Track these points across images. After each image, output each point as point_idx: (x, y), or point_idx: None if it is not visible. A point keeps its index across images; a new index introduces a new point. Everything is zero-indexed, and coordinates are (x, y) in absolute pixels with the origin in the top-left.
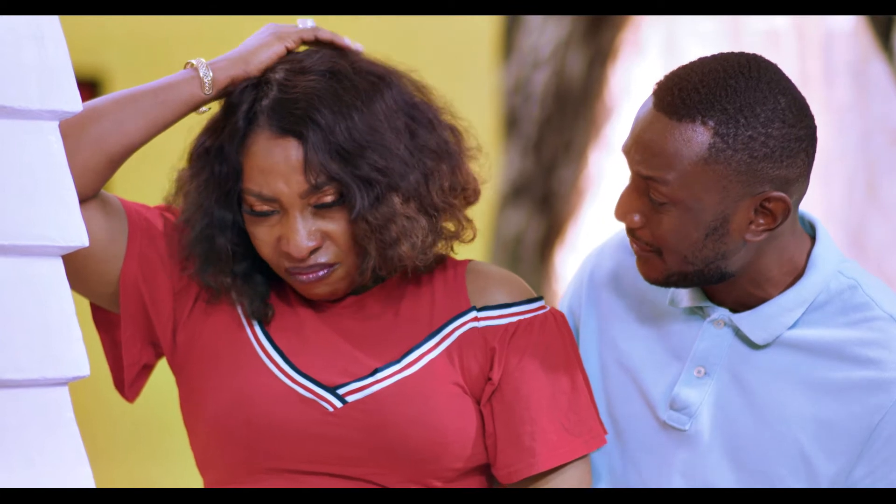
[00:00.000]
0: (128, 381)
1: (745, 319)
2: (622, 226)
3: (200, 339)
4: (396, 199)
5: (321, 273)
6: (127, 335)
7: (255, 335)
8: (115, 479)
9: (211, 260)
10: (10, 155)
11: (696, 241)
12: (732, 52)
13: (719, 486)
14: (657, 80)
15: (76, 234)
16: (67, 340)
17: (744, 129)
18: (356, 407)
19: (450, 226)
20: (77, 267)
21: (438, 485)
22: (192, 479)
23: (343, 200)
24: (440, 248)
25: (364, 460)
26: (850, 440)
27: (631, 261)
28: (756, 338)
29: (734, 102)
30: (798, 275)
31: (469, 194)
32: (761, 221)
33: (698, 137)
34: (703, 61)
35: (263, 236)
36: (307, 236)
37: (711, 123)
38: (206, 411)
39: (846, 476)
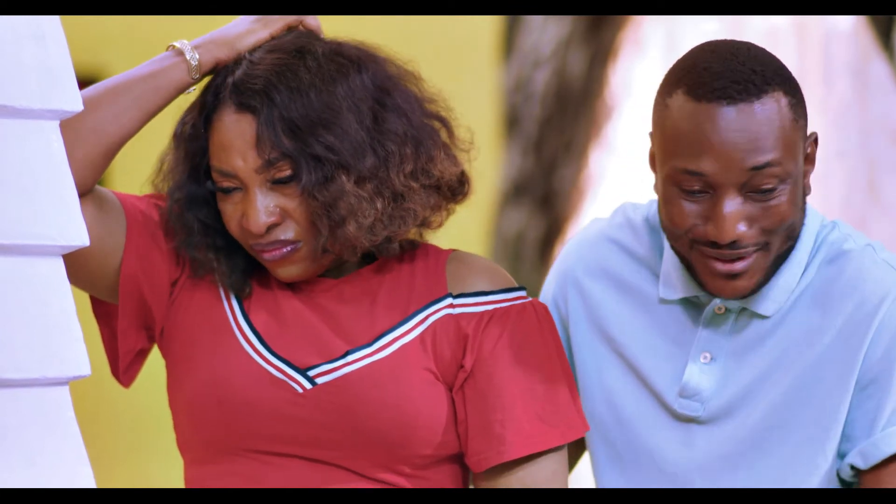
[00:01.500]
0: (122, 369)
1: (752, 298)
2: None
3: (184, 322)
4: (346, 179)
5: (285, 250)
6: (123, 326)
7: (234, 316)
8: (116, 479)
9: (187, 234)
10: (11, 154)
11: (801, 207)
12: (719, 40)
13: (743, 464)
14: (694, 91)
15: (76, 234)
16: (68, 340)
17: (793, 81)
18: (325, 389)
19: (418, 210)
20: (78, 263)
21: (409, 471)
22: None
23: (297, 177)
24: (411, 234)
25: (334, 443)
26: (845, 374)
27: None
28: (766, 310)
29: (772, 67)
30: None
31: (453, 185)
32: (807, 168)
33: (780, 105)
34: (718, 52)
35: (230, 213)
36: (265, 212)
37: (778, 87)
38: (182, 391)
39: (845, 408)
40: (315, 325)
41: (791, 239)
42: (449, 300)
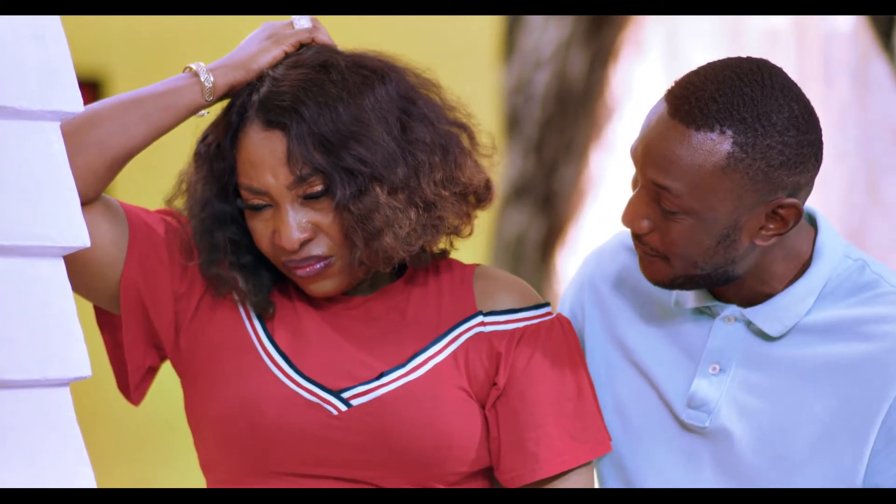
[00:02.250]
0: (133, 385)
1: (758, 313)
2: (623, 227)
3: (204, 341)
4: (380, 190)
5: (318, 266)
6: (129, 338)
7: (259, 338)
8: (117, 479)
9: (212, 252)
10: (11, 155)
11: (707, 249)
12: (741, 58)
13: (747, 476)
14: (668, 87)
15: (77, 235)
16: (69, 341)
17: (762, 137)
18: (362, 410)
19: (449, 219)
20: (78, 270)
21: (442, 488)
22: (194, 479)
23: (330, 191)
24: (441, 242)
25: (368, 464)
26: (869, 414)
27: (633, 262)
28: (771, 330)
29: (751, 111)
30: (805, 265)
31: (479, 192)
32: (771, 227)
33: (717, 146)
34: (714, 68)
35: (260, 230)
36: (298, 228)
37: (730, 132)
38: (210, 414)
39: (868, 451)
40: (342, 346)
41: (699, 269)
42: (479, 318)
